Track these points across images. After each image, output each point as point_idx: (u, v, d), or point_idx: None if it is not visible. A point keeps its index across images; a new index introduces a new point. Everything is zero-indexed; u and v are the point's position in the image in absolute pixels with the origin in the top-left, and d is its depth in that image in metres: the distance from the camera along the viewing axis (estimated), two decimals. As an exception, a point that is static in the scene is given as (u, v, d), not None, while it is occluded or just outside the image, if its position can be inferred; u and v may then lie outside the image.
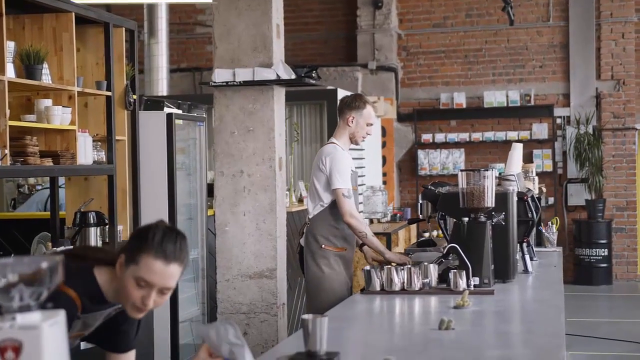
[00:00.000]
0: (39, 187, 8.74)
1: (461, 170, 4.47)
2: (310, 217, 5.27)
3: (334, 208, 5.15)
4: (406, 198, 13.06)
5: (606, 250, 12.18)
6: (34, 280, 1.82)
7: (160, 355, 6.23)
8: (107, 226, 5.66)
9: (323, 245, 5.18)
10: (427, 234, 12.21)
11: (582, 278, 12.23)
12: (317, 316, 2.76)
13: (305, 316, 2.75)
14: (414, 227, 11.37)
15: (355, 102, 5.28)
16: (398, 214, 10.93)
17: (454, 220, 4.55)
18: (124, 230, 5.91)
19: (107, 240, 5.70)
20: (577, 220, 12.42)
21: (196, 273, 6.99)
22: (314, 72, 6.05)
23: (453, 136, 12.77)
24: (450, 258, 4.46)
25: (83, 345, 4.61)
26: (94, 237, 5.52)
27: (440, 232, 12.00)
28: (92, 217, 5.50)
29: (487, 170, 4.43)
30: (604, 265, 12.20)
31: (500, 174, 5.31)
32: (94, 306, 2.67)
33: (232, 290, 5.64)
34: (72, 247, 2.63)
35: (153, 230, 2.60)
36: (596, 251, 12.16)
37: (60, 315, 1.84)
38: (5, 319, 1.79)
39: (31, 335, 1.77)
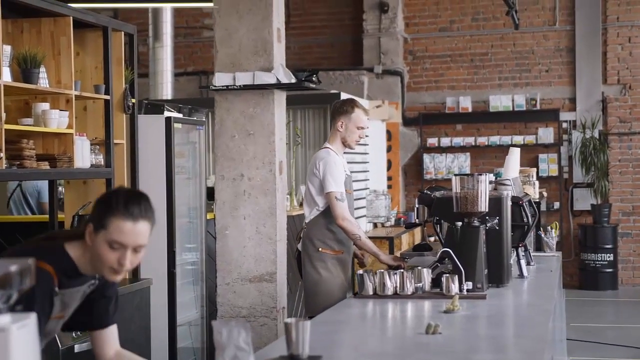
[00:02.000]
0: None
1: (455, 175, 4.48)
2: (306, 221, 5.34)
3: (330, 212, 5.19)
4: (412, 202, 13.03)
5: (612, 255, 12.14)
6: (3, 283, 1.84)
7: (158, 358, 6.25)
8: (105, 229, 5.68)
9: (320, 249, 5.24)
10: (432, 238, 12.21)
11: (587, 283, 12.19)
12: (299, 320, 2.78)
13: (288, 320, 2.77)
14: (418, 231, 11.37)
15: (344, 106, 5.36)
16: (402, 218, 10.93)
17: (448, 224, 4.55)
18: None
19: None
20: (582, 225, 12.38)
21: (195, 276, 7.00)
22: (314, 76, 6.06)
23: (459, 140, 12.76)
24: (445, 262, 4.45)
25: (78, 347, 4.65)
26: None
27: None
28: (90, 220, 5.51)
29: (481, 175, 4.43)
30: (610, 270, 12.16)
31: (496, 178, 5.30)
32: (70, 281, 2.75)
33: (232, 293, 5.65)
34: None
35: (115, 195, 2.72)
36: (602, 256, 12.12)
37: (31, 318, 1.85)
38: (-26, 321, 1.80)
39: (-1, 337, 1.78)
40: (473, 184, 4.38)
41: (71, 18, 5.35)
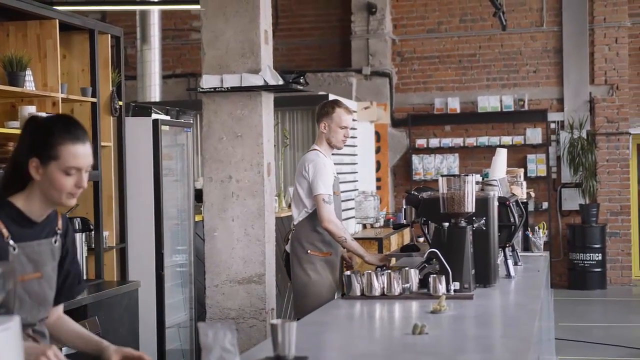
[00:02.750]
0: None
1: (442, 176, 4.49)
2: (295, 223, 5.36)
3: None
4: (400, 203, 13.05)
5: (600, 254, 12.18)
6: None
7: (147, 361, 6.23)
8: (92, 232, 5.68)
9: (309, 251, 5.28)
10: (422, 239, 12.22)
11: (576, 282, 12.24)
12: (285, 321, 2.79)
13: (274, 321, 2.78)
14: (407, 232, 11.39)
15: (325, 108, 5.44)
16: (392, 219, 10.93)
17: (435, 225, 4.56)
18: (109, 237, 5.93)
19: (92, 246, 5.72)
20: (571, 225, 12.42)
21: (184, 278, 7.00)
22: (302, 77, 6.07)
23: (447, 141, 12.78)
24: (432, 263, 4.46)
25: (65, 350, 4.63)
26: (80, 243, 5.53)
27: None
28: (77, 223, 5.51)
29: (468, 175, 4.44)
30: (598, 269, 12.21)
31: (483, 179, 5.32)
32: (24, 231, 2.69)
33: (221, 295, 5.65)
34: None
35: (52, 123, 2.68)
36: (590, 256, 12.16)
37: (14, 321, 1.85)
38: (-43, 324, 1.80)
39: (-18, 340, 1.78)
40: (460, 185, 4.39)
41: (57, 21, 5.34)
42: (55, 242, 2.80)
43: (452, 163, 12.78)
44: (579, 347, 8.47)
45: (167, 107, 7.73)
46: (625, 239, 12.55)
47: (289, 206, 8.01)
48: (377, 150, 12.30)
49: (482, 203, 4.55)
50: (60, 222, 2.84)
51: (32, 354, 2.49)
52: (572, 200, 12.50)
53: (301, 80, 6.08)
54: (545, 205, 12.47)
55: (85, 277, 5.54)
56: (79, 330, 3.00)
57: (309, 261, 5.27)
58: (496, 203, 4.70)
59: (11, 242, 2.65)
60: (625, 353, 8.21)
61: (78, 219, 5.52)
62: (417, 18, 13.10)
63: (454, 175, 4.47)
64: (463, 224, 4.42)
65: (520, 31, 12.78)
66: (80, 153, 2.67)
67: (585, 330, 9.35)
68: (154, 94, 10.32)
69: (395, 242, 10.02)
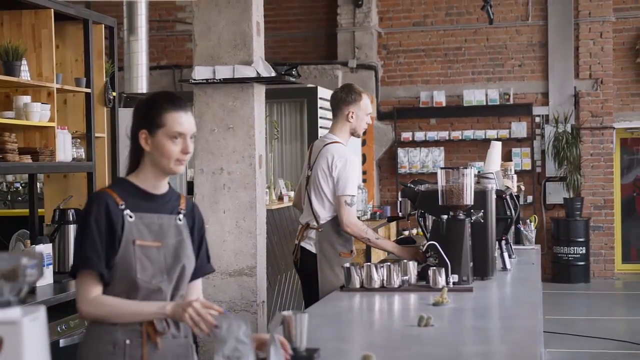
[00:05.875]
0: (17, 185, 8.69)
1: (441, 168, 4.49)
2: (321, 222, 5.00)
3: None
4: (386, 196, 13.10)
5: (584, 248, 12.27)
6: (13, 276, 1.82)
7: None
8: (86, 223, 5.63)
9: (341, 253, 5.00)
10: (406, 232, 12.26)
11: (560, 276, 12.31)
12: (297, 312, 2.78)
13: (286, 313, 2.77)
14: (393, 225, 11.42)
15: (351, 95, 5.06)
16: (378, 212, 10.96)
17: (433, 217, 4.57)
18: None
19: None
20: (555, 219, 12.49)
21: (176, 270, 6.96)
22: (294, 70, 6.06)
23: (433, 134, 12.81)
24: (429, 255, 4.47)
25: (62, 342, 4.61)
26: (73, 234, 5.50)
27: (419, 229, 12.05)
28: (71, 215, 5.47)
29: (467, 168, 4.45)
30: (582, 263, 12.29)
31: (479, 172, 5.33)
32: (141, 203, 2.88)
33: (212, 288, 5.64)
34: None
35: (154, 96, 2.93)
36: (574, 249, 12.24)
37: (41, 312, 1.84)
38: (-15, 314, 1.79)
39: (11, 330, 1.76)
40: (458, 178, 4.40)
41: (52, 10, 5.29)
42: (179, 220, 2.95)
43: (437, 156, 12.81)
44: (564, 339, 8.53)
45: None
46: (609, 232, 12.64)
47: (279, 198, 8.01)
48: (363, 144, 12.31)
49: (481, 196, 4.57)
50: (183, 203, 3.00)
51: (179, 305, 2.75)
52: (556, 194, 12.58)
53: (293, 72, 6.07)
54: (530, 199, 12.54)
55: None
56: None
57: (340, 264, 4.86)
58: (494, 196, 4.72)
59: (127, 211, 2.84)
60: (609, 346, 8.27)
61: (72, 211, 5.48)
62: (403, 11, 13.11)
63: (452, 168, 4.48)
64: (462, 216, 4.43)
65: (505, 25, 12.82)
66: (184, 119, 2.87)
67: (570, 323, 9.41)
68: (141, 85, 10.25)
69: (383, 234, 10.04)
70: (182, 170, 2.92)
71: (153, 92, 3.03)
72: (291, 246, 5.52)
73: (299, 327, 2.76)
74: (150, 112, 2.88)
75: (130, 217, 2.84)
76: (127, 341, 2.81)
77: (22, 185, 8.93)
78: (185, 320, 2.73)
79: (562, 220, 12.37)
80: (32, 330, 1.80)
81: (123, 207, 2.84)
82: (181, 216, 2.96)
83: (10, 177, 8.74)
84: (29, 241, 5.50)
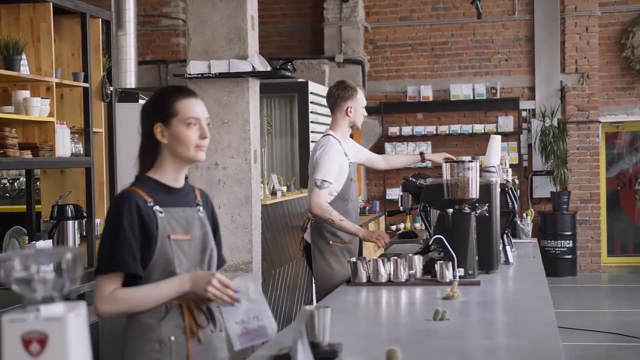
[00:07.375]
0: (5, 181, 8.60)
1: (446, 162, 4.49)
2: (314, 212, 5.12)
3: (338, 203, 5.09)
4: (373, 191, 13.10)
5: (571, 242, 12.33)
6: (56, 271, 1.80)
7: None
8: (84, 219, 5.60)
9: (331, 242, 5.14)
10: (394, 227, 12.28)
11: (547, 269, 12.13)
12: (320, 307, 2.76)
13: (309, 307, 2.74)
14: (382, 219, 11.42)
15: (347, 91, 5.25)
16: (367, 207, 10.96)
17: (438, 211, 4.56)
18: (101, 224, 5.85)
19: (84, 234, 5.64)
20: (542, 213, 12.55)
21: (172, 266, 6.93)
22: (290, 64, 6.05)
23: (420, 129, 12.82)
24: (433, 249, 4.46)
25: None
26: (72, 230, 5.46)
27: (409, 224, 12.04)
28: (69, 210, 5.43)
29: (472, 161, 4.45)
30: (569, 256, 12.36)
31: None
32: (166, 197, 2.87)
33: (208, 283, 5.62)
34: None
35: (161, 90, 2.95)
36: (561, 243, 12.30)
37: (82, 307, 1.82)
38: (29, 310, 1.77)
39: (56, 326, 1.75)
40: (463, 171, 4.40)
41: (51, 4, 5.24)
42: (200, 212, 2.94)
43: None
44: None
45: (151, 93, 7.64)
46: (595, 226, 12.71)
47: (273, 194, 7.99)
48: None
49: (485, 189, 4.57)
50: (199, 195, 3.00)
51: (200, 280, 2.75)
52: (543, 187, 12.63)
53: (289, 67, 6.06)
54: (517, 192, 12.56)
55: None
56: None
57: (331, 252, 5.11)
58: (498, 189, 4.72)
59: (156, 207, 2.84)
60: (597, 338, 8.33)
61: (70, 206, 5.45)
62: (390, 6, 13.11)
63: (458, 162, 4.47)
64: (467, 210, 4.43)
65: (492, 19, 12.84)
66: (195, 105, 2.88)
67: (557, 316, 9.34)
68: (130, 80, 10.17)
69: (372, 228, 10.04)
70: (203, 157, 2.91)
71: (159, 88, 3.02)
72: (285, 241, 5.56)
73: (322, 321, 2.74)
74: (162, 104, 2.88)
75: (161, 212, 2.84)
76: (172, 338, 2.80)
77: (10, 181, 8.84)
78: (207, 295, 2.75)
79: (549, 214, 12.42)
80: (76, 326, 1.78)
81: (152, 204, 2.83)
82: (201, 208, 2.96)
83: (11, 172, 8.62)
84: (26, 237, 5.45)
